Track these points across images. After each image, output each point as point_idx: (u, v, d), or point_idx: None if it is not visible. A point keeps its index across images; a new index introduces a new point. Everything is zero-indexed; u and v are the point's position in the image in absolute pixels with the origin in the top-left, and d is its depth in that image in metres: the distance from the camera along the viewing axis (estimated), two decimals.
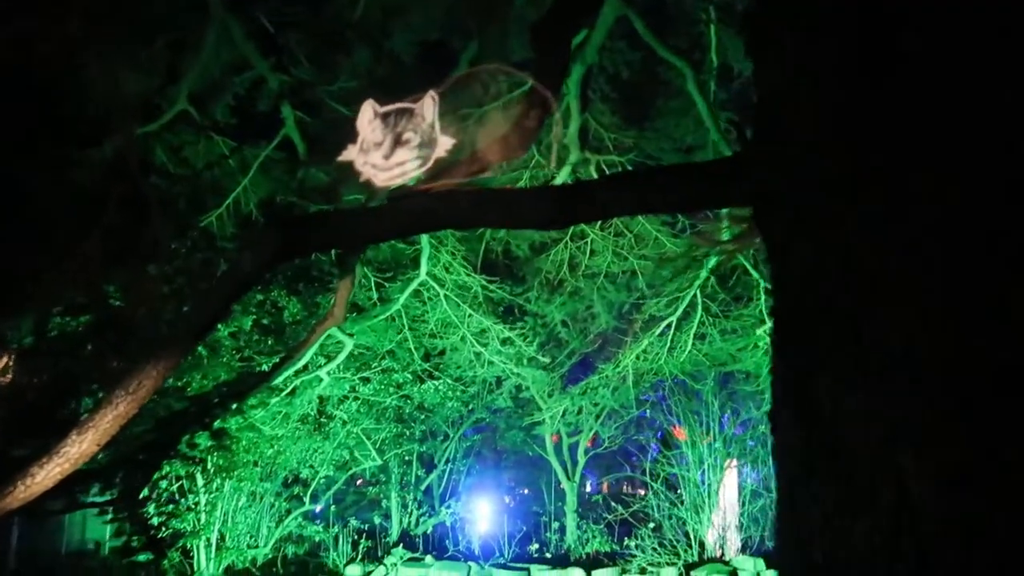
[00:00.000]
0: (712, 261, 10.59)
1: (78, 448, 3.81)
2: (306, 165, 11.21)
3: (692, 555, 11.56)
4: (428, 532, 14.21)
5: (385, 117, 3.95)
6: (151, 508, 12.18)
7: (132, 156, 7.33)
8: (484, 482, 16.31)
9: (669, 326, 11.02)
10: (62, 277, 7.93)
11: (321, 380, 9.97)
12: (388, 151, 3.83)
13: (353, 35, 11.23)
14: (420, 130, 3.83)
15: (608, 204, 3.53)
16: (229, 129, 11.45)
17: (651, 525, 11.97)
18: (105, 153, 10.07)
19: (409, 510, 14.79)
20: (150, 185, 8.19)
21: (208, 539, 12.12)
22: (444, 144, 3.81)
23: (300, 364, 8.76)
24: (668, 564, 11.18)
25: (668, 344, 11.22)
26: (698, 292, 10.85)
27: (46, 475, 3.81)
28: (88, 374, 8.09)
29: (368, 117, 3.98)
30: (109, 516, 9.11)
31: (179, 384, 8.83)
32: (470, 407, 14.71)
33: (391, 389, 12.84)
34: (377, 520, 14.26)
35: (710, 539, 11.92)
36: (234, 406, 8.07)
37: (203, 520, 11.47)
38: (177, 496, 10.98)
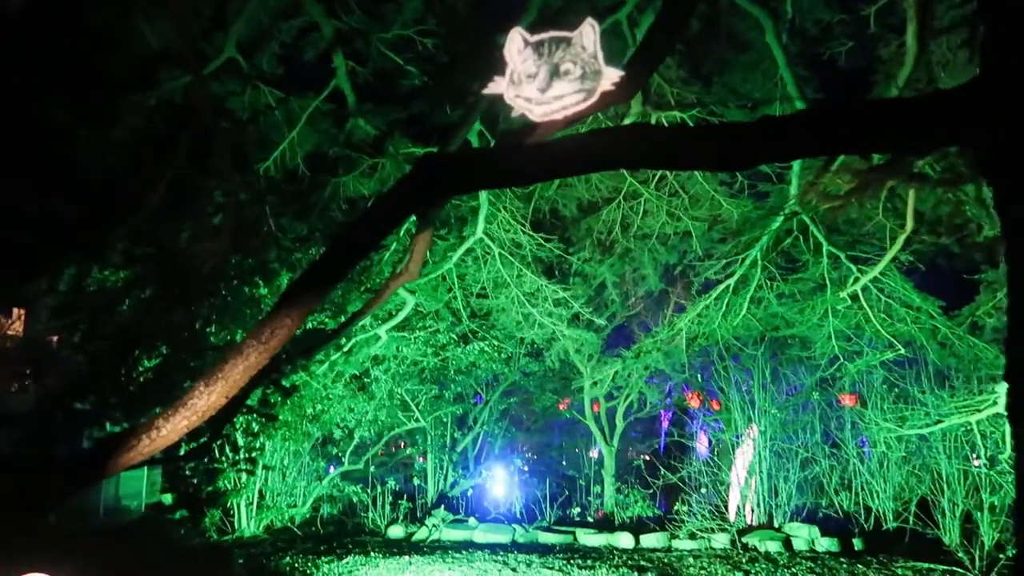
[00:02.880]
0: (776, 222, 10.28)
1: (206, 400, 3.57)
2: (355, 116, 10.86)
3: (742, 520, 11.43)
4: (468, 494, 14.10)
5: (538, 47, 3.61)
6: (190, 466, 12.06)
7: (203, 101, 6.98)
8: (519, 445, 16.19)
9: (727, 288, 10.73)
10: (123, 228, 7.63)
11: (379, 338, 9.73)
12: (544, 83, 3.51)
13: None
14: (581, 60, 3.50)
15: (793, 143, 3.22)
16: (275, 79, 11.06)
17: (702, 490, 11.82)
18: (151, 100, 9.74)
19: (445, 472, 14.68)
20: (223, 131, 7.85)
21: (249, 497, 12.01)
22: (611, 76, 3.49)
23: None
24: (720, 530, 11.02)
25: (724, 308, 10.94)
26: (759, 254, 10.55)
27: (172, 428, 3.57)
28: (152, 329, 7.80)
29: (518, 47, 3.65)
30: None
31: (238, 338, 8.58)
32: (503, 371, 14.49)
33: (432, 350, 12.63)
34: (417, 482, 14.14)
35: (747, 506, 11.80)
36: (301, 363, 7.84)
37: (244, 479, 11.34)
38: (218, 454, 10.85)
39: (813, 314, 11.03)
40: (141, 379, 8.79)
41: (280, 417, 10.26)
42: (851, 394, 13.21)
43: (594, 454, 18.79)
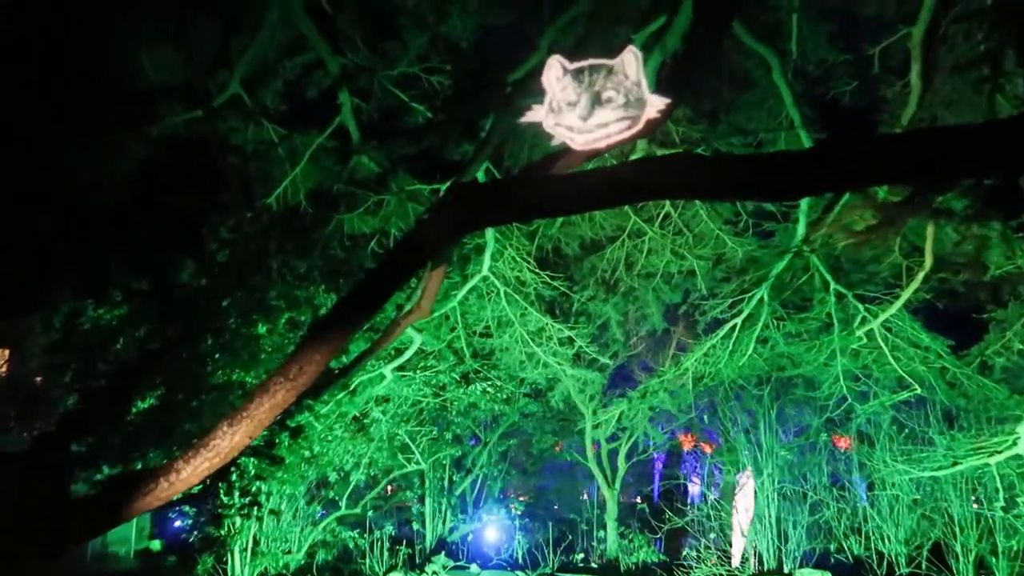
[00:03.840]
0: (783, 260, 10.23)
1: (229, 441, 3.38)
2: (359, 153, 10.80)
3: (749, 567, 11.15)
4: (467, 539, 13.75)
5: (577, 74, 3.51)
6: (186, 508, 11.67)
7: (212, 134, 6.87)
8: (518, 488, 15.87)
9: (734, 327, 10.62)
10: (124, 262, 7.45)
11: (384, 377, 9.51)
12: (586, 111, 3.40)
13: (407, 21, 10.85)
14: (624, 88, 3.40)
15: (854, 172, 3.12)
16: (278, 115, 11.00)
17: (711, 535, 11.56)
18: (153, 134, 9.63)
19: (444, 516, 14.32)
20: (230, 163, 7.73)
21: (243, 543, 11.63)
22: (656, 103, 3.39)
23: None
24: (728, 574, 10.74)
25: (730, 347, 10.82)
26: (766, 293, 10.47)
27: (193, 471, 3.37)
28: (150, 368, 7.57)
29: (556, 74, 3.55)
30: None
31: (247, 378, 8.35)
32: (504, 412, 14.24)
33: (432, 390, 12.40)
34: (416, 526, 13.78)
35: (753, 551, 11.54)
36: (307, 403, 7.62)
37: (238, 524, 10.98)
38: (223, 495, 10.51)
39: (820, 354, 10.93)
40: (137, 419, 8.53)
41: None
42: (846, 436, 13.07)
43: (585, 496, 18.50)
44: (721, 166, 3.46)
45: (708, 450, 18.81)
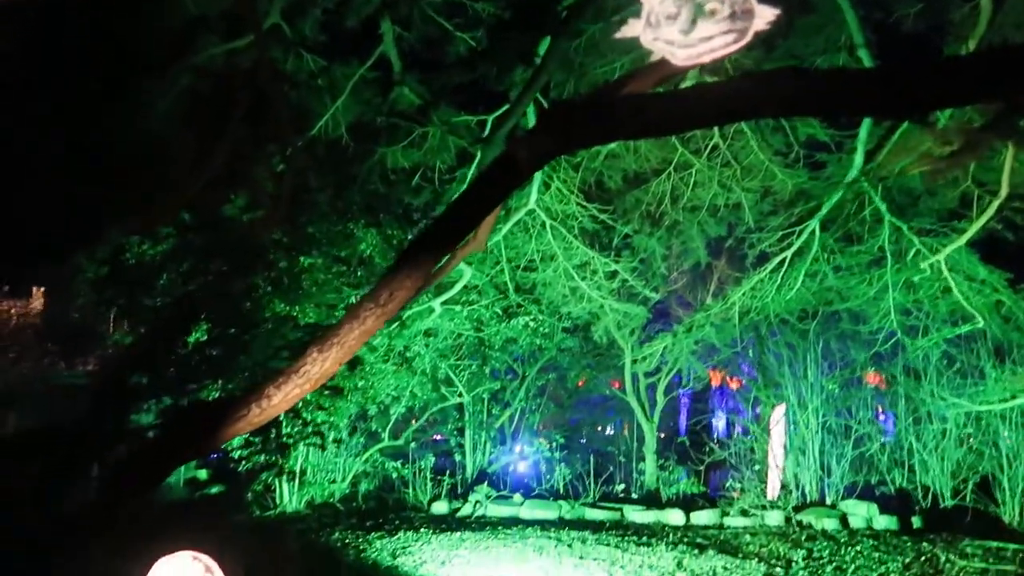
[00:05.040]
0: (838, 192, 9.97)
1: (320, 367, 3.35)
2: (400, 84, 10.58)
3: (795, 499, 11.22)
4: (508, 470, 13.98)
5: None
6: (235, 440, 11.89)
7: (264, 60, 6.72)
8: (556, 422, 16.03)
9: (783, 261, 10.43)
10: (178, 198, 7.42)
11: (432, 311, 9.52)
12: (687, 25, 3.21)
13: None
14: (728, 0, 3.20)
15: (971, 86, 2.93)
16: (317, 47, 10.77)
17: (755, 467, 11.62)
18: (196, 66, 9.46)
19: (484, 448, 14.53)
20: (282, 93, 7.59)
21: (291, 473, 11.90)
22: (765, 15, 3.19)
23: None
24: (772, 507, 10.82)
25: (779, 281, 10.66)
26: (817, 227, 10.24)
27: (283, 397, 3.36)
28: (204, 302, 7.61)
29: None
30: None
31: (293, 313, 8.39)
32: (544, 346, 14.26)
33: (473, 324, 12.43)
34: (458, 458, 14.02)
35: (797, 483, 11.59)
36: None
37: (286, 454, 11.23)
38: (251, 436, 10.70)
39: (870, 288, 10.74)
40: (191, 352, 8.63)
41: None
42: (879, 373, 12.97)
43: (609, 431, 18.69)
44: (834, 80, 3.27)
45: (736, 386, 18.84)
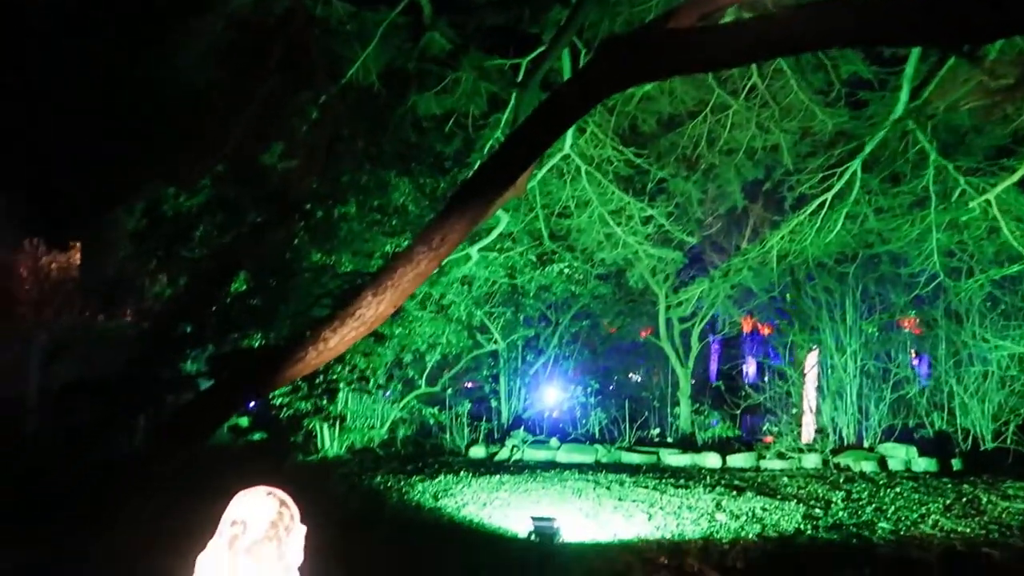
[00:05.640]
0: (881, 132, 9.73)
1: (375, 310, 3.38)
2: (431, 30, 10.41)
3: (832, 442, 11.22)
4: (543, 415, 14.13)
5: None
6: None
7: (296, 9, 6.63)
8: (590, 367, 16.11)
9: (823, 204, 10.25)
10: (213, 149, 7.43)
11: (470, 258, 9.53)
12: None
13: None
14: None
15: None
16: None
17: (793, 411, 11.62)
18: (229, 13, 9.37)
19: (519, 394, 14.69)
20: (314, 40, 7.52)
21: (333, 419, 12.13)
22: None
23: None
24: (809, 450, 10.84)
25: (818, 223, 10.49)
26: (859, 168, 10.02)
27: (340, 339, 3.40)
28: (243, 252, 7.68)
29: None
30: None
31: (329, 262, 8.45)
32: (578, 293, 14.25)
33: (507, 272, 12.44)
34: (493, 403, 14.19)
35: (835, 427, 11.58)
36: None
37: (325, 401, 11.45)
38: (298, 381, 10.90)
39: (913, 229, 10.54)
40: (233, 301, 8.75)
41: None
42: (912, 318, 12.79)
43: (637, 378, 18.72)
44: (883, 8, 3.14)
45: (767, 332, 18.72)
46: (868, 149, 9.82)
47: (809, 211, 10.37)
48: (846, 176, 10.10)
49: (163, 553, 3.32)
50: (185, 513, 4.65)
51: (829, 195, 10.23)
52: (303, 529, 2.14)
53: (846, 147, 10.67)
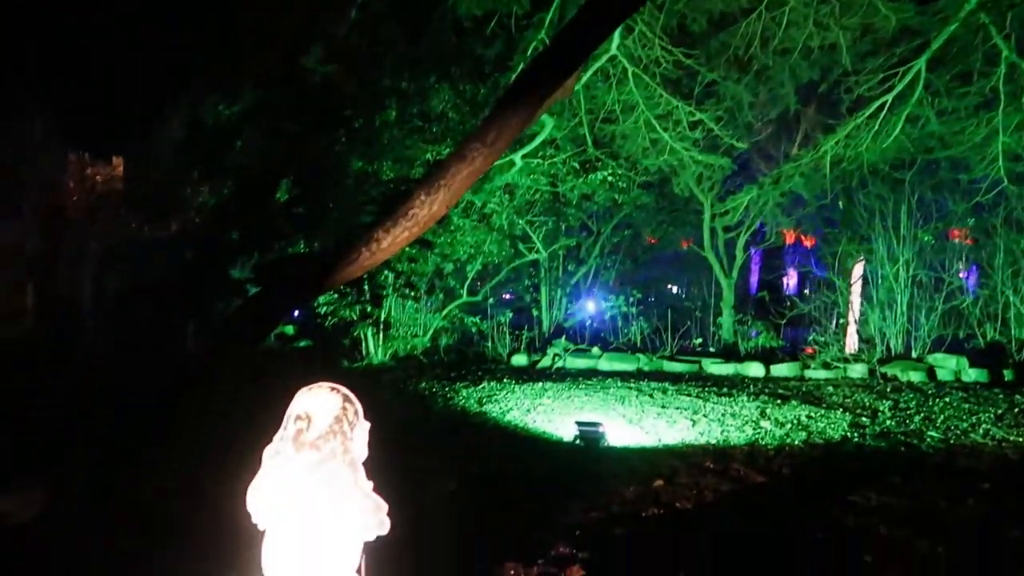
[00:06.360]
0: (950, 27, 9.14)
1: (427, 210, 3.30)
2: None
3: (879, 352, 11.08)
4: (585, 324, 14.18)
5: None
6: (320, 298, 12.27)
7: None
8: (631, 278, 16.04)
9: (883, 106, 9.77)
10: (259, 55, 7.26)
11: (514, 164, 9.35)
12: None
13: None
14: None
15: None
16: None
17: (840, 320, 11.46)
18: None
19: (560, 304, 14.72)
20: None
21: (377, 326, 12.31)
22: None
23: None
24: (856, 360, 10.72)
25: (876, 127, 10.03)
26: (923, 67, 9.48)
27: (392, 240, 3.34)
28: (288, 160, 7.61)
29: None
30: None
31: (370, 170, 8.35)
32: (621, 201, 14.00)
33: (548, 180, 12.23)
34: (534, 313, 14.26)
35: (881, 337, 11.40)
36: None
37: (369, 309, 11.58)
38: (345, 287, 10.99)
39: (977, 133, 10.04)
40: (279, 212, 8.75)
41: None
42: (960, 228, 12.36)
43: (675, 289, 18.55)
44: None
45: (810, 244, 18.32)
46: (935, 46, 9.26)
47: (867, 114, 9.91)
48: (909, 76, 9.58)
49: (228, 453, 3.40)
50: (245, 413, 4.77)
51: (889, 97, 9.75)
52: (367, 425, 2.12)
53: (910, 45, 10.09)
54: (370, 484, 2.04)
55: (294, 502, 1.94)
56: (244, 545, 2.16)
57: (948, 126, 10.22)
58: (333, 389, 2.13)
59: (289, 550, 1.97)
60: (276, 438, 2.06)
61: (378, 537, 2.00)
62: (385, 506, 2.00)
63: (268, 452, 2.06)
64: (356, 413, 2.11)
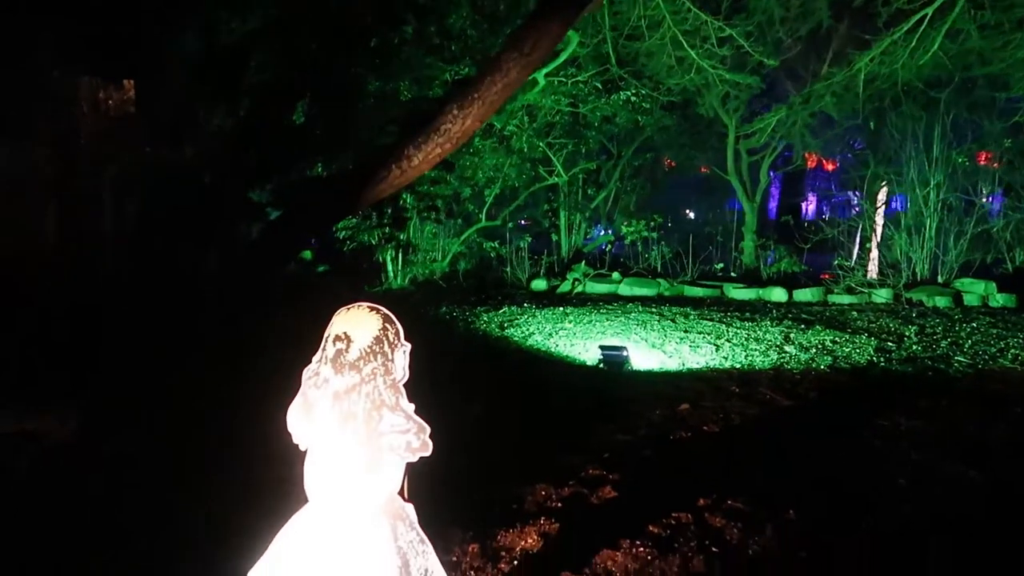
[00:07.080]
0: None
1: (460, 125, 3.16)
2: None
3: (904, 277, 10.91)
4: (605, 249, 14.04)
5: None
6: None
7: None
8: (652, 202, 15.80)
9: (922, 19, 9.31)
10: None
11: (536, 83, 9.06)
12: None
13: None
14: None
15: None
16: None
17: (866, 245, 11.25)
18: None
19: (580, 229, 14.55)
20: None
21: (398, 249, 12.24)
22: None
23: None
24: (880, 285, 10.57)
25: (913, 43, 9.58)
26: None
27: (424, 157, 3.21)
28: (304, 79, 7.38)
29: None
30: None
31: (387, 89, 8.10)
32: (644, 123, 13.65)
33: (569, 100, 11.90)
34: (554, 238, 14.13)
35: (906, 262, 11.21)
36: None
37: (403, 227, 11.49)
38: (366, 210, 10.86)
39: (1020, 48, 9.59)
40: (298, 132, 8.56)
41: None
42: (987, 151, 11.99)
43: (692, 215, 18.24)
44: None
45: (832, 168, 17.90)
46: None
47: (905, 28, 9.45)
48: None
49: (269, 375, 3.36)
50: (277, 334, 4.74)
51: (930, 10, 9.26)
52: (408, 346, 2.05)
53: None
54: (412, 406, 1.99)
55: (334, 423, 1.89)
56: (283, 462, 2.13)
57: (990, 41, 9.75)
58: (372, 309, 2.05)
59: (330, 471, 1.93)
60: (315, 359, 2.00)
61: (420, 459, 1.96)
62: (427, 428, 1.95)
63: (307, 373, 2.00)
64: (397, 334, 2.04)
